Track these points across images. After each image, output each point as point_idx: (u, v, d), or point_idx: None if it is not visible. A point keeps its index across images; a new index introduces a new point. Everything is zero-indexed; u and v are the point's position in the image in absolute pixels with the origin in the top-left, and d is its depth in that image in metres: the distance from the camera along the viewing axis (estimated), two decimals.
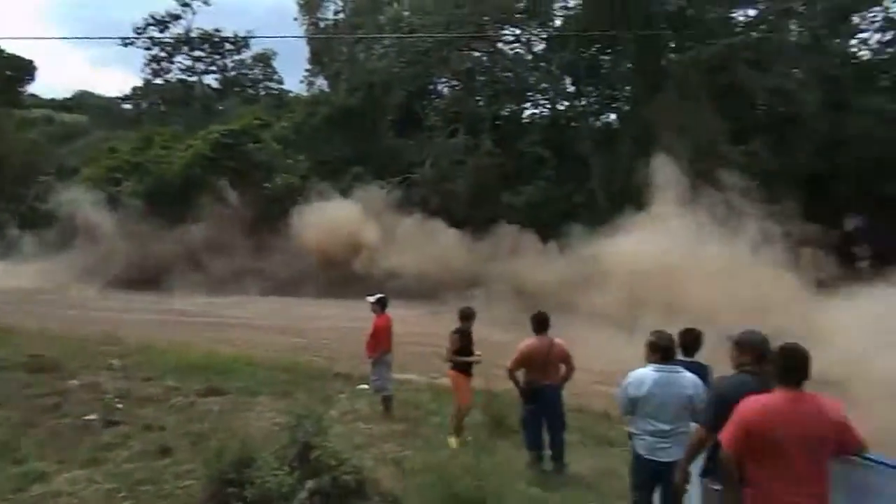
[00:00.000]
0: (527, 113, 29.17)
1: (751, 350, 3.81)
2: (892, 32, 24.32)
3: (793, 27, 23.52)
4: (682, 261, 14.73)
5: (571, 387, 8.17)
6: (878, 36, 24.70)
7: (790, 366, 3.49)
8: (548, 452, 6.50)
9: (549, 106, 27.97)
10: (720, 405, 3.71)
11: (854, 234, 18.85)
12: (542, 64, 26.26)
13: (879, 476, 3.44)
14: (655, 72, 23.33)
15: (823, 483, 3.43)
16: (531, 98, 28.59)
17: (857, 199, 19.83)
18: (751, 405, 3.48)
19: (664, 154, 16.95)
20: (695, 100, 20.82)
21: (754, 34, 22.99)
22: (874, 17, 24.30)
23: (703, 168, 16.71)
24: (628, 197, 17.14)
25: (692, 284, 13.80)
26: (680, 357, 4.84)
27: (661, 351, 4.50)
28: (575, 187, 23.41)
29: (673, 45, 24.12)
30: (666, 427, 4.45)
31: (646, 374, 4.52)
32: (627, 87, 25.83)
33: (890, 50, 24.59)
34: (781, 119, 22.11)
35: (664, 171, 16.45)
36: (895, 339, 10.31)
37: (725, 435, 3.53)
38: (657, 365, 4.50)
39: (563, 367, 6.44)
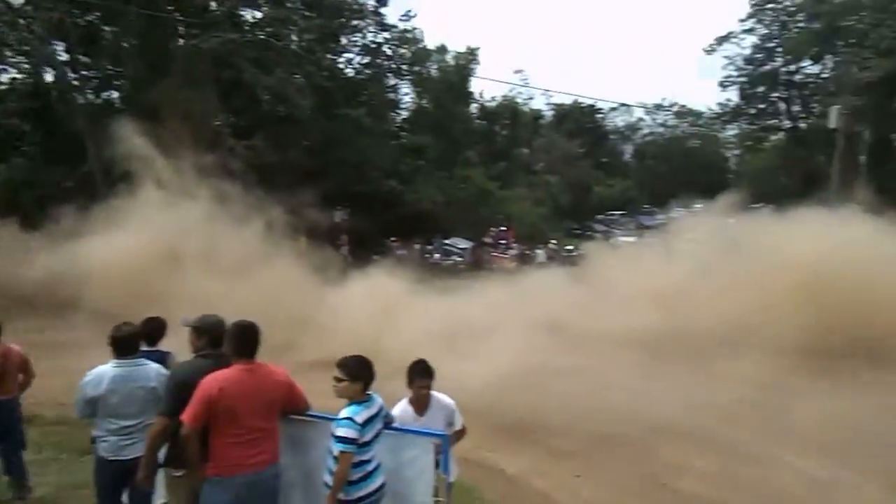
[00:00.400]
0: (3, 77, 24.15)
1: (207, 334, 3.94)
2: (369, 58, 29.28)
3: (293, 37, 25.73)
4: (190, 251, 14.40)
5: (56, 395, 7.17)
6: (359, 58, 29.42)
7: (243, 341, 3.80)
8: (6, 478, 5.52)
9: (32, 72, 23.71)
10: (179, 391, 3.73)
11: (339, 226, 22.13)
12: (21, 20, 21.95)
13: (315, 430, 4.03)
14: (162, 54, 22.22)
15: (275, 441, 3.87)
16: (9, 60, 23.67)
17: (342, 195, 23.27)
18: (210, 381, 3.64)
19: (167, 140, 16.29)
20: (201, 89, 20.74)
21: (260, 35, 24.26)
22: (356, 41, 28.80)
23: (208, 158, 16.73)
24: (129, 182, 15.87)
25: (202, 275, 13.63)
26: (144, 347, 4.69)
27: (118, 344, 4.26)
28: (69, 168, 20.55)
29: (182, 31, 23.44)
30: (130, 423, 4.24)
31: (105, 370, 4.23)
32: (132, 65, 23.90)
33: (368, 71, 29.56)
34: (281, 119, 24.08)
35: (163, 157, 15.80)
36: (391, 322, 11.96)
37: (188, 414, 3.60)
38: (117, 360, 4.26)
39: (21, 377, 5.53)
